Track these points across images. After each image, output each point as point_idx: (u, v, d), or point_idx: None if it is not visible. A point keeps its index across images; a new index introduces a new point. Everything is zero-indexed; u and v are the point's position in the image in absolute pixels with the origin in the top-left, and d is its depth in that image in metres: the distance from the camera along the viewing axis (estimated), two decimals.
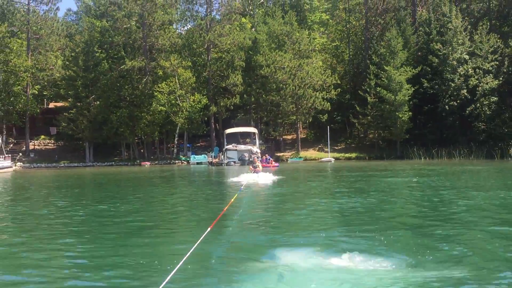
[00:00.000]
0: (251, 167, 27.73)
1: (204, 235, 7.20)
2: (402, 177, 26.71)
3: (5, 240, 10.75)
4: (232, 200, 11.13)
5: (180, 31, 68.22)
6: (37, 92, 63.16)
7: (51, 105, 69.38)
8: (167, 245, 9.59)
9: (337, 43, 69.83)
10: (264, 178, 24.86)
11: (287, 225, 11.57)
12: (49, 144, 64.95)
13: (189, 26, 63.60)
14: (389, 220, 12.04)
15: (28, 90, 60.50)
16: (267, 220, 12.34)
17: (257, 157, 47.17)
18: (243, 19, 67.73)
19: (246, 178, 24.04)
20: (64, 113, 57.89)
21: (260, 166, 27.65)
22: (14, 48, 57.81)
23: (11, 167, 48.31)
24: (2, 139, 48.06)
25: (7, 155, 49.57)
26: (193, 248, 6.53)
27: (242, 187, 18.04)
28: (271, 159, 47.29)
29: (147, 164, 55.48)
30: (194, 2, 63.49)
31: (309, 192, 20.57)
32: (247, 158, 48.69)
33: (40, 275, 7.63)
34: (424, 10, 62.97)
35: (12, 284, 7.28)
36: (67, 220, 13.65)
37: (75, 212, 15.14)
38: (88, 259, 8.61)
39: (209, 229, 7.70)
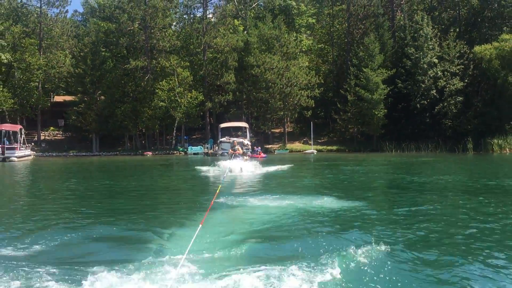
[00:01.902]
0: (230, 150, 28.14)
1: (196, 233, 7.26)
2: (358, 166, 32.89)
3: (51, 209, 14.24)
4: (217, 191, 11.47)
5: (177, 28, 73.40)
6: (48, 87, 68.97)
7: (58, 98, 75.07)
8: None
9: (322, 45, 76.06)
10: (241, 164, 25.63)
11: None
12: (58, 135, 70.96)
13: (187, 28, 68.82)
14: (319, 191, 18.28)
15: (39, 85, 66.38)
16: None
17: (248, 149, 53.70)
18: (236, 22, 73.75)
19: (226, 166, 24.70)
20: (74, 107, 63.84)
21: (240, 150, 28.25)
22: (28, 47, 63.69)
23: (30, 155, 54.51)
24: (22, 131, 53.99)
25: (28, 145, 55.83)
26: (188, 248, 6.69)
27: (224, 178, 18.34)
28: (259, 150, 53.78)
29: (149, 154, 61.46)
30: (192, 7, 69.49)
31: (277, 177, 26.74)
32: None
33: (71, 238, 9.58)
34: (402, 15, 68.94)
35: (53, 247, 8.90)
36: (93, 194, 19.70)
37: (103, 189, 21.10)
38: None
39: (200, 226, 7.66)
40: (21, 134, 53.05)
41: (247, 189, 18.40)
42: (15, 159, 48.32)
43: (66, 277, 6.75)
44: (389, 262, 7.28)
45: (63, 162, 49.63)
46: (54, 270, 7.09)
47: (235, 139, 58.46)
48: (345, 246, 8.00)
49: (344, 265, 7.03)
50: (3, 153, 48.53)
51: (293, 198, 14.58)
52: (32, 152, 58.11)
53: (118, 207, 14.46)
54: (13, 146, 50.09)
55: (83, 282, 6.34)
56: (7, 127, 53.48)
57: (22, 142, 53.23)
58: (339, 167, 32.24)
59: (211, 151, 60.23)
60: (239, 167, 24.87)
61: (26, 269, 7.07)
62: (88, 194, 18.60)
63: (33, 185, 24.28)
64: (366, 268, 7.05)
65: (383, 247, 7.91)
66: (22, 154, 51.24)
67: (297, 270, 6.73)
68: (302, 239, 9.05)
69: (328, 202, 13.76)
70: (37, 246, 8.75)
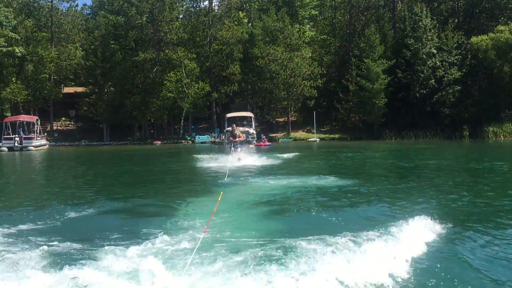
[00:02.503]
0: (230, 137, 26.07)
1: (199, 242, 6.99)
2: (358, 153, 35.21)
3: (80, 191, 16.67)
4: (219, 199, 10.60)
5: (184, 21, 75.42)
6: (57, 79, 71.39)
7: (67, 89, 77.39)
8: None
9: (324, 36, 78.15)
10: (240, 156, 24.24)
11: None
12: (69, 125, 73.46)
13: (193, 21, 70.93)
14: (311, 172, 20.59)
15: (51, 78, 68.82)
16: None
17: (253, 138, 56.07)
18: (240, 13, 75.86)
19: (227, 162, 22.59)
20: (85, 99, 66.29)
21: (242, 136, 26.39)
22: (41, 41, 66.10)
23: (45, 145, 57.08)
24: (38, 122, 56.61)
25: (43, 135, 58.43)
26: (191, 257, 6.30)
27: (225, 181, 16.30)
28: (265, 138, 56.21)
29: (158, 143, 63.89)
30: (198, 0, 71.78)
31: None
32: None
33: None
34: (402, 6, 70.87)
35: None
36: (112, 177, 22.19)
37: (119, 173, 23.59)
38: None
39: (203, 234, 7.49)
40: (37, 124, 55.59)
41: (257, 173, 20.60)
42: (33, 148, 51.00)
43: (81, 249, 7.54)
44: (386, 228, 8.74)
45: (76, 150, 52.35)
46: (77, 242, 7.94)
47: (241, 128, 61.03)
48: (355, 218, 9.75)
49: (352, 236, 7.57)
50: (21, 143, 51.13)
51: (301, 179, 16.87)
52: (47, 142, 60.67)
53: (141, 190, 16.05)
54: (30, 136, 52.66)
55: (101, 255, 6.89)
56: (24, 118, 56.15)
57: (38, 132, 55.80)
58: (340, 153, 34.55)
59: (218, 139, 62.55)
60: (237, 158, 23.66)
61: (49, 242, 7.93)
62: (112, 179, 21.02)
63: (55, 171, 26.78)
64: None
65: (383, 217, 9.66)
66: (39, 144, 53.93)
67: (310, 242, 7.07)
68: (313, 213, 10.50)
69: (333, 181, 16.11)
70: (57, 222, 9.89)
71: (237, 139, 25.06)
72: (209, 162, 24.23)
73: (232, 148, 24.65)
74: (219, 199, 11.03)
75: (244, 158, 23.92)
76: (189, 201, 12.48)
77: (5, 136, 52.33)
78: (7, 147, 50.86)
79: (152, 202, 12.89)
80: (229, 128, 59.31)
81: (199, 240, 7.18)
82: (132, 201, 13.09)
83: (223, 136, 61.21)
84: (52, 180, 21.17)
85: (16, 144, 51.14)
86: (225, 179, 16.23)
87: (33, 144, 51.93)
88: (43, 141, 56.70)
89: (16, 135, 52.35)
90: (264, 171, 20.22)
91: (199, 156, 26.25)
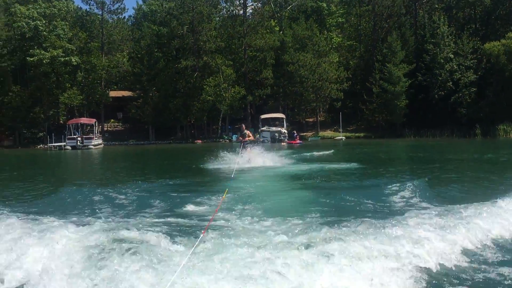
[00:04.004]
0: (239, 137, 26.16)
1: (197, 243, 6.92)
2: (380, 148, 41.22)
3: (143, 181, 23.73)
4: (223, 196, 11.29)
5: (221, 31, 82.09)
6: (108, 84, 79.00)
7: (114, 93, 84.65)
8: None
9: (351, 42, 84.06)
10: (249, 156, 24.18)
11: None
12: (118, 126, 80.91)
13: (230, 30, 77.57)
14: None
15: (102, 83, 76.41)
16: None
17: (285, 136, 62.73)
18: (272, 22, 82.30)
19: (236, 161, 22.91)
20: (133, 102, 73.60)
21: (251, 136, 26.42)
22: (94, 51, 73.78)
23: (101, 144, 64.57)
24: (96, 123, 64.19)
25: (100, 135, 66.03)
26: (186, 258, 6.25)
27: (232, 178, 16.96)
28: (297, 136, 62.69)
29: (199, 141, 70.57)
30: (233, 11, 78.49)
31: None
32: (277, 137, 63.66)
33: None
34: (423, 13, 76.09)
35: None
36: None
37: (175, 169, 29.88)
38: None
39: (201, 235, 7.33)
40: (95, 126, 63.06)
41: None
42: (92, 147, 58.50)
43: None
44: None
45: (128, 149, 59.47)
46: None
47: (274, 128, 67.40)
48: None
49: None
50: (82, 142, 58.62)
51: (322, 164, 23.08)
52: (102, 141, 68.20)
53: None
54: (90, 136, 60.18)
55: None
56: (84, 120, 63.78)
57: (96, 132, 63.34)
58: (355, 149, 40.66)
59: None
60: (247, 159, 23.80)
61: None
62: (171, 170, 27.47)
63: (117, 164, 33.64)
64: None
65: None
66: (97, 143, 61.47)
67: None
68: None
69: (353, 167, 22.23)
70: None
71: (246, 138, 25.15)
72: (219, 162, 24.15)
73: (241, 149, 24.53)
74: (223, 196, 11.96)
75: (254, 159, 23.86)
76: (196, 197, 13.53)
77: (68, 137, 60.01)
78: (71, 146, 58.52)
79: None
80: (264, 128, 66.55)
81: (197, 241, 7.09)
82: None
83: (258, 135, 67.79)
84: (115, 171, 27.88)
85: (78, 144, 58.72)
86: (232, 175, 17.50)
87: (92, 143, 59.54)
88: (100, 141, 64.35)
89: (78, 135, 59.95)
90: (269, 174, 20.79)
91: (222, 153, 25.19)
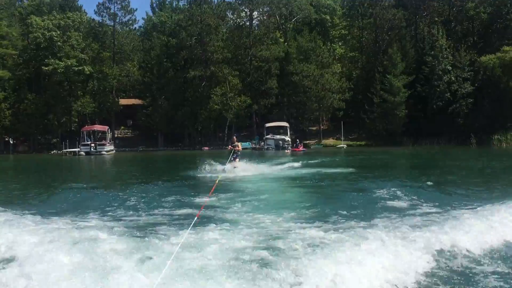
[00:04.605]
0: (230, 146, 27.19)
1: (185, 235, 7.63)
2: (376, 155, 43.86)
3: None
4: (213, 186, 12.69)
5: (227, 42, 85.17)
6: (118, 93, 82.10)
7: (123, 101, 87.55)
8: None
9: (353, 53, 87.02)
10: (235, 164, 25.51)
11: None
12: (128, 133, 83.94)
13: (236, 41, 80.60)
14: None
15: (113, 92, 79.51)
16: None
17: (288, 144, 65.57)
18: (277, 33, 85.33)
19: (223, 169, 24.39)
20: (143, 110, 76.63)
21: (240, 146, 27.29)
22: (106, 61, 76.96)
23: (113, 150, 67.56)
24: (109, 130, 67.23)
25: (112, 141, 69.04)
26: (177, 248, 6.78)
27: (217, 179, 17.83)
28: (300, 144, 65.46)
29: (206, 148, 73.39)
30: (240, 23, 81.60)
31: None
32: (281, 144, 66.55)
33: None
34: (423, 26, 78.86)
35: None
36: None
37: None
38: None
39: (187, 231, 7.93)
40: (108, 133, 66.06)
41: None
42: (105, 152, 61.52)
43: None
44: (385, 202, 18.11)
45: (138, 155, 62.34)
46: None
47: (278, 136, 70.22)
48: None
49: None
50: (95, 148, 61.59)
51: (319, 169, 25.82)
52: (114, 147, 71.18)
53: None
54: (103, 142, 63.17)
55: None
56: (98, 127, 66.85)
57: (108, 139, 66.36)
58: (351, 156, 43.35)
59: (258, 146, 71.90)
60: (232, 167, 25.11)
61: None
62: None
63: (127, 168, 36.48)
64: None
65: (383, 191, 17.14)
66: (109, 149, 64.46)
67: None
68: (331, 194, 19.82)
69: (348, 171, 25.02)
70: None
71: (236, 148, 26.22)
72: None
73: (231, 157, 25.71)
74: (214, 185, 13.79)
75: (239, 167, 25.28)
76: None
77: (82, 143, 63.08)
78: (84, 152, 61.56)
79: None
80: (268, 136, 69.37)
81: (182, 238, 7.57)
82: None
83: (262, 143, 70.68)
84: (127, 173, 30.71)
85: (91, 150, 61.76)
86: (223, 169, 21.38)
87: (105, 149, 62.57)
88: (112, 147, 67.37)
89: (92, 142, 63.01)
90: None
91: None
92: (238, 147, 26.61)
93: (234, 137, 30.31)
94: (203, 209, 11.08)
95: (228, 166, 24.88)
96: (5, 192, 20.01)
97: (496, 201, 12.80)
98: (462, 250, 8.37)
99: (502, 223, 10.14)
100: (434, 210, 12.06)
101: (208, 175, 23.29)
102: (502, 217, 10.64)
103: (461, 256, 8.18)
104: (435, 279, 7.19)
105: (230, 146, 26.89)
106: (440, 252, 8.20)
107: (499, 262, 8.01)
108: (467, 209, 11.89)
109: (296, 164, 30.13)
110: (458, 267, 7.75)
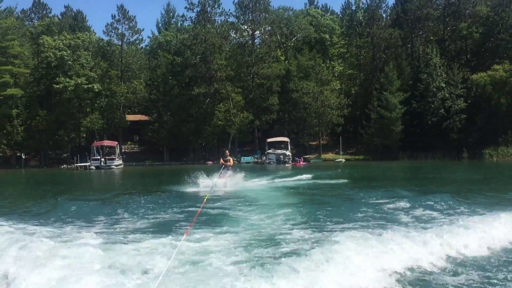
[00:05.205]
0: (222, 160, 27.55)
1: (178, 247, 7.80)
2: (365, 170, 46.71)
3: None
4: (204, 200, 13.56)
5: (230, 60, 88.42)
6: (125, 110, 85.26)
7: (130, 117, 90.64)
8: None
9: (351, 71, 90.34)
10: (225, 180, 25.78)
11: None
12: (134, 148, 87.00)
13: (239, 60, 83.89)
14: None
15: (121, 109, 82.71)
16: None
17: (289, 159, 68.46)
18: (279, 51, 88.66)
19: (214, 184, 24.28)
20: (149, 126, 79.74)
21: (231, 162, 27.39)
22: (113, 78, 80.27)
23: (122, 164, 70.54)
24: (118, 146, 70.32)
25: (120, 156, 72.08)
26: (173, 256, 7.01)
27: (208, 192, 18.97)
28: (299, 159, 68.34)
29: (210, 162, 76.15)
30: (242, 42, 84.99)
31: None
32: (282, 159, 69.47)
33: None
34: (419, 45, 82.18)
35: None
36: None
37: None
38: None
39: (183, 239, 8.15)
40: (117, 148, 69.10)
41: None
42: (114, 167, 64.53)
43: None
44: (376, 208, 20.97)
45: (145, 169, 65.24)
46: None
47: (279, 151, 73.13)
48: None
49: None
50: (105, 163, 64.61)
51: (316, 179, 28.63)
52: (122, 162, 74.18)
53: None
54: (112, 157, 66.20)
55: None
56: (107, 143, 69.96)
57: (117, 154, 69.41)
58: (348, 169, 46.16)
59: (260, 160, 74.80)
60: (223, 183, 25.34)
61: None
62: None
63: (143, 180, 39.39)
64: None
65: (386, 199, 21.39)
66: (118, 163, 67.47)
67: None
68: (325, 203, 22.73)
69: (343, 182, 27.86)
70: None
71: (228, 163, 26.57)
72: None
73: (222, 171, 25.97)
74: (204, 201, 14.35)
75: (229, 182, 25.74)
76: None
77: (93, 157, 66.18)
78: (95, 166, 64.62)
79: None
80: (270, 151, 72.37)
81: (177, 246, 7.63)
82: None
83: (264, 157, 73.60)
84: (134, 186, 33.59)
85: (101, 164, 64.80)
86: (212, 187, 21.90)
87: (114, 163, 65.61)
88: (121, 161, 70.39)
89: (102, 156, 66.11)
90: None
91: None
92: (230, 162, 26.81)
93: (227, 151, 30.45)
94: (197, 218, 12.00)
95: (218, 181, 24.95)
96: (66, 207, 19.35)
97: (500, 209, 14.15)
98: (459, 255, 9.08)
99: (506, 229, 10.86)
100: (446, 219, 13.30)
101: (200, 189, 24.19)
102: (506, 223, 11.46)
103: (456, 260, 8.77)
104: (434, 281, 7.76)
105: (222, 161, 27.35)
106: (440, 253, 8.92)
107: (501, 268, 8.52)
108: (466, 215, 13.51)
109: (305, 176, 32.51)
110: (453, 271, 8.30)
